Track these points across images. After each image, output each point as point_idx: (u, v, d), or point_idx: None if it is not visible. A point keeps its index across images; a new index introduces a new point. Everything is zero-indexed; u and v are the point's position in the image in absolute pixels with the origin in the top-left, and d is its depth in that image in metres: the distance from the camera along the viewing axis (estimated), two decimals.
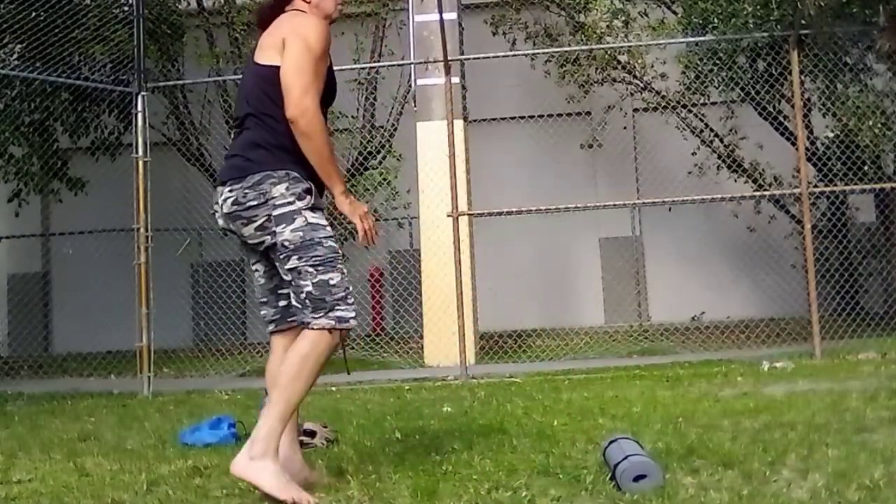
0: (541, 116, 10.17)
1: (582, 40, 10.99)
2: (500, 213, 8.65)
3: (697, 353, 8.51)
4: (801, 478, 3.03)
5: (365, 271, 12.16)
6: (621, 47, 10.80)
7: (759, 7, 8.30)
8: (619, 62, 11.27)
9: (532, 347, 9.70)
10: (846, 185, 9.25)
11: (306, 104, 2.98)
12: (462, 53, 9.39)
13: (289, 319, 3.22)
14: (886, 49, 8.41)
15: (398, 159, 11.22)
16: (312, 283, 3.01)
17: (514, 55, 10.80)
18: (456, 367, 7.77)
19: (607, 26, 10.76)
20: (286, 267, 3.04)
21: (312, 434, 4.20)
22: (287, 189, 3.02)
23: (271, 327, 3.29)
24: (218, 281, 10.20)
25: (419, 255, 9.31)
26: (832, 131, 9.82)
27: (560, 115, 10.52)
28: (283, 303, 3.23)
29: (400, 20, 11.33)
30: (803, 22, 7.87)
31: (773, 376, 6.28)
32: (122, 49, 9.24)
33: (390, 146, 11.58)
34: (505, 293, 11.60)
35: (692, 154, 11.56)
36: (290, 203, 3.02)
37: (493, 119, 12.41)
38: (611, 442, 3.23)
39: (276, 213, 3.02)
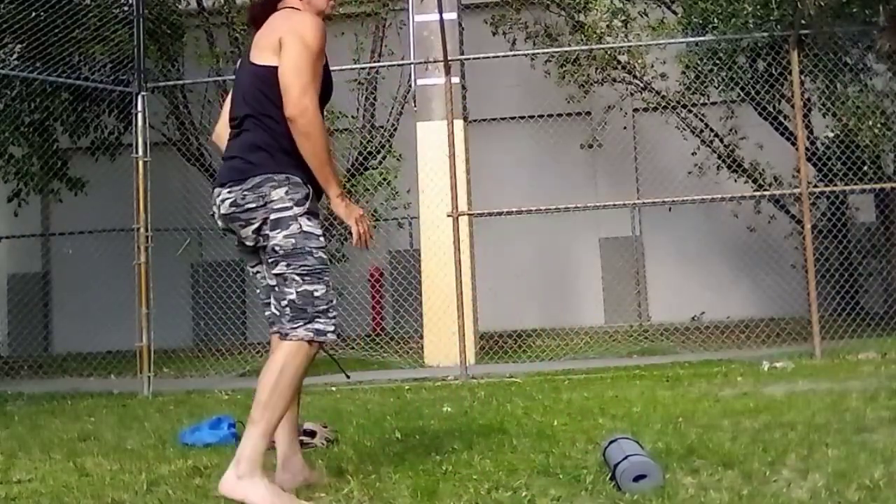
0: (541, 116, 10.17)
1: (582, 40, 10.99)
2: (500, 213, 8.65)
3: (697, 353, 8.50)
4: (801, 478, 3.03)
5: (365, 271, 12.17)
6: (621, 47, 10.80)
7: (759, 7, 8.30)
8: (619, 62, 11.27)
9: (532, 347, 9.70)
10: (846, 185, 9.25)
11: (305, 104, 2.96)
12: (462, 53, 9.39)
13: None
14: (886, 49, 8.41)
15: (398, 159, 11.22)
16: (297, 292, 2.99)
17: (514, 55, 10.80)
18: (456, 367, 7.77)
19: (607, 26, 10.77)
20: (273, 272, 3.03)
21: (312, 434, 4.20)
22: (286, 193, 3.01)
23: (274, 328, 3.29)
24: (218, 281, 10.20)
25: (419, 255, 9.31)
26: (832, 131, 9.82)
27: (560, 115, 10.52)
28: None
29: (400, 20, 11.33)
30: (803, 22, 7.87)
31: (773, 376, 6.28)
32: (122, 49, 9.24)
33: (390, 146, 11.58)
34: (505, 293, 11.60)
35: (692, 154, 11.57)
36: (287, 208, 3.00)
37: (493, 119, 12.41)
38: (611, 442, 3.23)
39: (272, 216, 3.00)
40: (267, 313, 3.25)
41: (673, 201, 8.96)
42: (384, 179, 11.13)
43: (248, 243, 3.12)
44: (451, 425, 4.62)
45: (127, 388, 7.73)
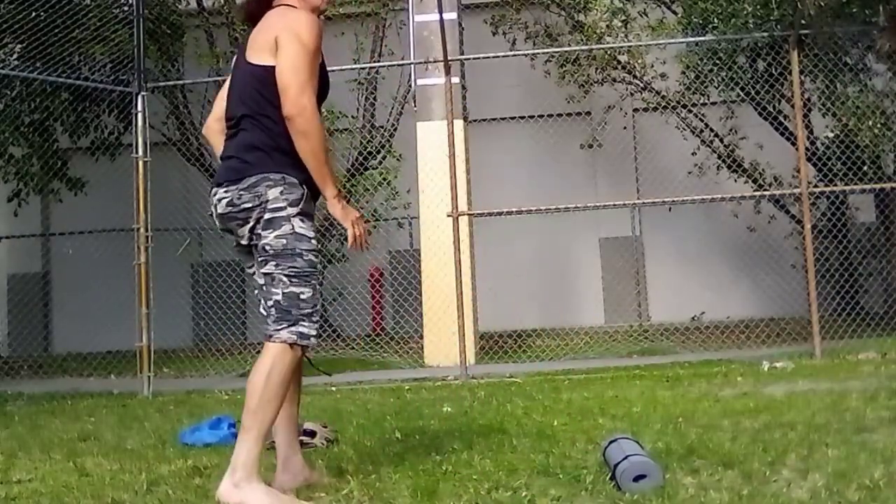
0: (541, 116, 10.17)
1: (582, 40, 10.99)
2: (500, 213, 8.65)
3: (697, 353, 8.51)
4: (801, 478, 3.03)
5: (365, 271, 12.17)
6: (621, 47, 10.80)
7: (759, 7, 8.30)
8: (619, 62, 11.27)
9: (532, 347, 9.70)
10: (846, 185, 9.25)
11: (304, 102, 2.96)
12: (462, 53, 9.39)
13: None
14: (886, 49, 8.41)
15: (398, 159, 11.22)
16: (283, 293, 2.99)
17: (514, 55, 10.80)
18: (456, 367, 7.77)
19: (607, 26, 10.76)
20: (262, 271, 3.04)
21: (312, 434, 4.20)
22: (281, 193, 3.00)
23: None
24: (218, 281, 10.20)
25: (419, 255, 9.31)
26: (832, 131, 9.82)
27: (560, 115, 10.52)
28: None
29: (400, 20, 11.34)
30: (803, 22, 7.87)
31: (773, 376, 6.28)
32: (122, 49, 9.24)
33: (390, 146, 11.58)
34: (505, 293, 11.60)
35: (692, 154, 11.57)
36: (282, 208, 3.00)
37: (493, 119, 12.41)
38: (611, 442, 3.23)
39: (266, 216, 3.00)
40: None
41: (673, 201, 8.96)
42: (384, 179, 11.14)
43: (243, 242, 3.12)
44: (451, 425, 4.62)
45: (127, 388, 7.73)
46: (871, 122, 8.54)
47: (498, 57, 9.80)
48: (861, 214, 11.48)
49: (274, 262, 3.00)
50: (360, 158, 11.45)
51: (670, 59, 10.57)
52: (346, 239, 3.12)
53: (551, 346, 9.21)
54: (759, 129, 11.05)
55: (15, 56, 10.34)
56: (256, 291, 3.23)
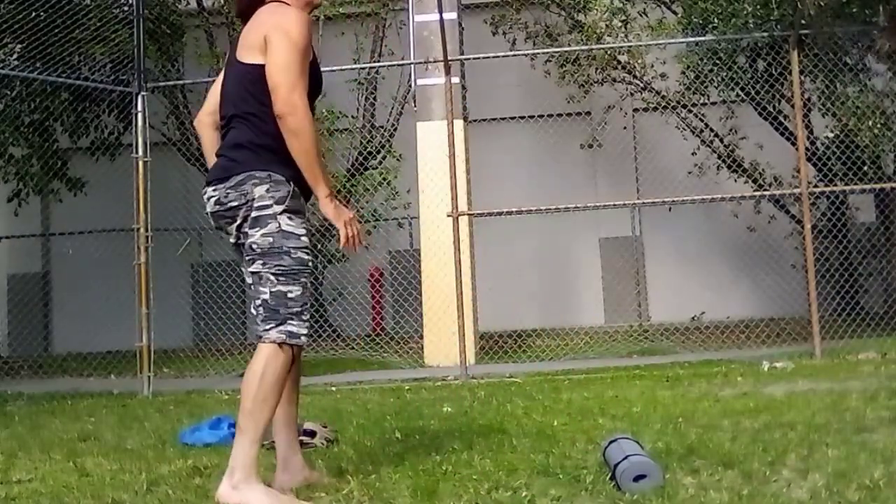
0: (541, 116, 10.17)
1: (581, 40, 10.99)
2: (500, 213, 8.65)
3: (697, 353, 8.50)
4: (801, 478, 3.03)
5: (365, 271, 12.17)
6: (621, 47, 10.80)
7: (759, 7, 8.30)
8: (618, 62, 11.27)
9: (532, 347, 9.70)
10: (846, 185, 9.25)
11: (295, 101, 2.93)
12: (462, 53, 9.39)
13: None
14: (886, 49, 8.41)
15: (398, 159, 11.23)
16: (270, 292, 2.96)
17: (514, 55, 10.81)
18: (456, 367, 7.77)
19: (606, 26, 10.76)
20: (250, 269, 3.02)
21: (312, 434, 4.20)
22: (267, 191, 2.98)
23: None
24: (218, 281, 10.20)
25: (419, 255, 9.31)
26: (832, 131, 9.82)
27: (560, 115, 10.52)
28: None
29: (400, 20, 11.34)
30: (803, 22, 7.87)
31: (773, 376, 6.28)
32: (122, 49, 9.24)
33: (390, 146, 11.59)
34: (505, 293, 11.60)
35: (692, 154, 11.57)
36: (267, 206, 2.98)
37: (493, 119, 12.42)
38: (611, 442, 3.23)
39: (253, 214, 2.99)
40: None
41: (673, 201, 8.95)
42: (384, 179, 11.14)
43: (232, 241, 3.12)
44: (451, 425, 4.62)
45: (127, 388, 7.73)
46: (871, 122, 8.54)
47: (498, 57, 9.80)
48: (861, 214, 11.48)
49: (261, 261, 2.98)
50: (360, 158, 11.45)
51: (670, 59, 10.57)
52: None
53: (551, 346, 9.21)
54: (759, 129, 11.05)
55: (15, 56, 10.34)
56: (248, 291, 3.22)
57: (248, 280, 3.05)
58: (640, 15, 10.88)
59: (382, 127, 11.78)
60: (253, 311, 3.03)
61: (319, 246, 11.03)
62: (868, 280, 11.09)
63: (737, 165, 11.37)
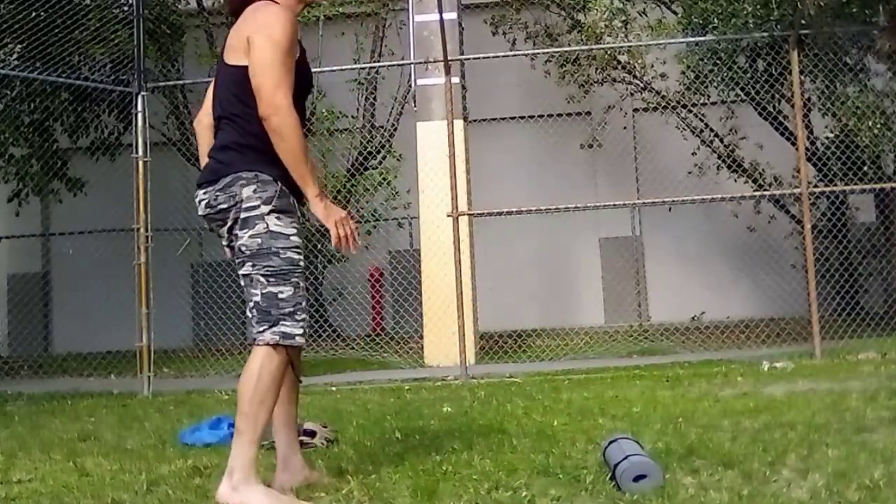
0: (541, 116, 10.17)
1: (581, 40, 10.99)
2: (500, 213, 8.65)
3: (697, 353, 8.50)
4: (801, 478, 3.03)
5: (365, 271, 12.17)
6: (621, 47, 10.80)
7: (759, 7, 8.30)
8: (619, 62, 11.27)
9: (532, 347, 9.70)
10: (846, 185, 9.25)
11: (278, 101, 2.90)
12: (462, 53, 9.39)
13: None
14: (886, 49, 8.41)
15: (398, 159, 11.23)
16: (261, 294, 2.95)
17: (514, 55, 10.80)
18: (456, 367, 7.76)
19: (606, 26, 10.76)
20: (240, 272, 3.01)
21: (312, 434, 4.20)
22: (254, 192, 2.96)
23: None
24: (218, 281, 10.20)
25: (419, 255, 9.31)
26: (832, 131, 9.82)
27: (560, 115, 10.52)
28: None
29: (400, 20, 11.34)
30: (803, 22, 7.87)
31: (773, 376, 6.28)
32: (122, 49, 9.24)
33: (390, 146, 11.59)
34: (505, 293, 11.60)
35: (692, 154, 11.57)
36: (255, 207, 2.95)
37: (493, 119, 12.42)
38: (611, 442, 3.23)
39: (242, 215, 2.97)
40: None
41: (673, 201, 8.95)
42: (384, 179, 11.14)
43: (224, 243, 3.11)
44: (451, 425, 4.62)
45: (127, 388, 7.73)
46: (870, 123, 8.54)
47: (498, 57, 9.80)
48: (861, 214, 11.48)
49: (250, 263, 2.97)
50: (360, 158, 11.45)
51: (670, 59, 10.57)
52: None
53: (551, 346, 9.21)
54: (759, 129, 11.05)
55: (15, 56, 10.34)
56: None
57: (241, 283, 3.04)
58: (640, 15, 10.89)
59: (382, 127, 11.78)
60: (248, 313, 3.02)
61: (319, 246, 11.03)
62: (868, 280, 11.09)
63: (737, 165, 11.37)
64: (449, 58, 8.33)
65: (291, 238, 2.99)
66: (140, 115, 8.11)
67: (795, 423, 4.00)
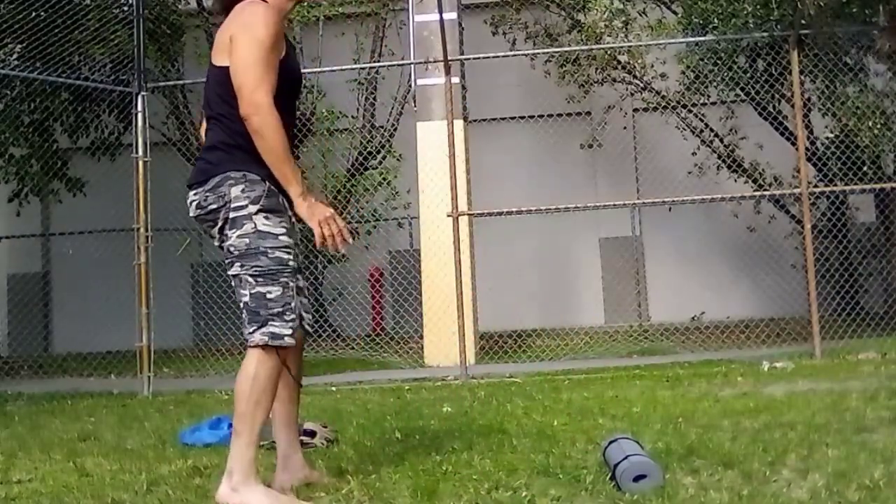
0: (541, 116, 10.18)
1: (581, 40, 10.99)
2: (500, 213, 8.65)
3: (697, 353, 8.50)
4: (801, 478, 3.03)
5: (365, 271, 12.17)
6: (621, 47, 10.80)
7: (759, 7, 8.30)
8: (619, 62, 11.27)
9: (532, 347, 9.70)
10: (846, 185, 9.25)
11: (258, 100, 2.88)
12: (462, 53, 9.39)
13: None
14: (886, 49, 8.41)
15: (398, 159, 11.23)
16: (250, 294, 2.94)
17: (514, 55, 10.81)
18: (456, 367, 7.76)
19: (606, 26, 10.76)
20: (229, 273, 3.00)
21: (312, 434, 4.20)
22: (242, 192, 2.96)
23: None
24: (218, 281, 10.17)
25: (419, 255, 9.31)
26: (832, 131, 9.82)
27: (560, 115, 10.53)
28: None
29: (400, 20, 11.34)
30: (803, 22, 7.87)
31: (773, 376, 6.28)
32: (122, 49, 9.24)
33: (390, 146, 11.59)
34: (505, 293, 11.60)
35: (692, 154, 11.57)
36: (243, 207, 2.95)
37: (493, 119, 12.42)
38: (611, 442, 3.23)
39: (231, 215, 2.97)
40: None
41: (673, 201, 8.95)
42: (384, 179, 11.14)
43: (215, 244, 3.11)
44: (451, 425, 4.62)
45: (127, 388, 7.73)
46: (870, 123, 8.54)
47: (498, 57, 9.80)
48: (861, 214, 11.48)
49: (239, 263, 2.96)
50: (360, 158, 11.45)
51: (670, 59, 10.57)
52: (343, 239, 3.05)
53: (551, 346, 9.21)
54: (759, 129, 11.05)
55: (15, 56, 10.34)
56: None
57: (231, 283, 3.03)
58: (640, 15, 10.88)
59: (382, 127, 11.78)
60: (241, 312, 3.01)
61: (319, 246, 11.02)
62: (868, 280, 11.09)
63: (737, 165, 11.37)
64: (449, 58, 8.33)
65: (280, 238, 2.98)
66: (140, 115, 8.11)
67: (795, 423, 4.00)
